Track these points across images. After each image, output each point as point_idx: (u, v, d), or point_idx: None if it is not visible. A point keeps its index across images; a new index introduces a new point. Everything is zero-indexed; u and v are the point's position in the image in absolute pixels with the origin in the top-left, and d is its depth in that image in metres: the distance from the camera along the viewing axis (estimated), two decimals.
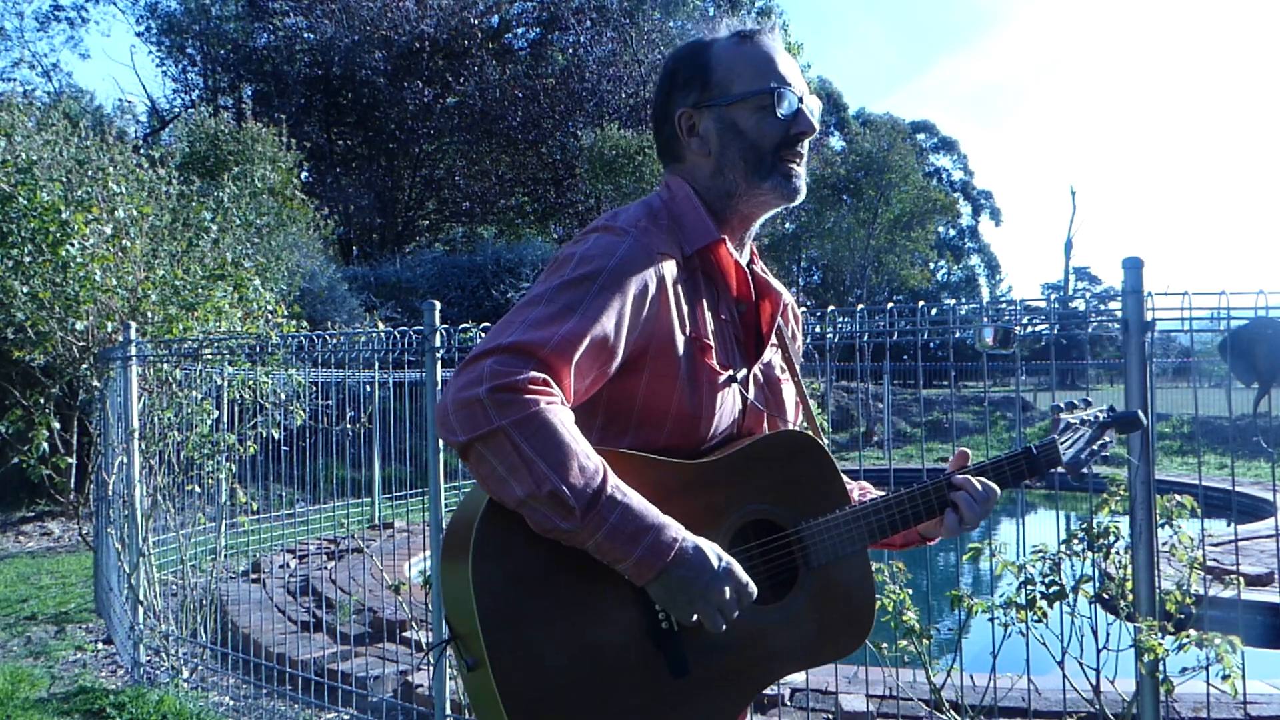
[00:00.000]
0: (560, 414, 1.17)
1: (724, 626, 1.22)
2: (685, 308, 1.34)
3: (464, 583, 1.16)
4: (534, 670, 1.17)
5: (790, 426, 1.49)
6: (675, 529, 1.19)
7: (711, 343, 1.36)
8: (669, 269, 1.32)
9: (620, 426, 1.33)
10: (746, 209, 1.42)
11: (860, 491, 1.56)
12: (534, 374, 1.16)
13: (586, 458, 1.16)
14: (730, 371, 1.38)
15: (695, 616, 1.21)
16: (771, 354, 1.49)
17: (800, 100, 1.39)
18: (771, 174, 1.39)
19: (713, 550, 1.21)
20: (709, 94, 1.39)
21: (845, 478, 1.56)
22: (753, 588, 1.24)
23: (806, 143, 1.41)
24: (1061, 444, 1.56)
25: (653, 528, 1.18)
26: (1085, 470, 1.58)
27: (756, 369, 1.45)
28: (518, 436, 1.13)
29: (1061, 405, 1.62)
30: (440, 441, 3.44)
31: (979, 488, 1.45)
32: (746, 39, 1.40)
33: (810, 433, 1.49)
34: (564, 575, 1.20)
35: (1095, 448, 1.59)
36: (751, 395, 1.43)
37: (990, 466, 1.50)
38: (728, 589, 1.21)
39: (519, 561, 1.19)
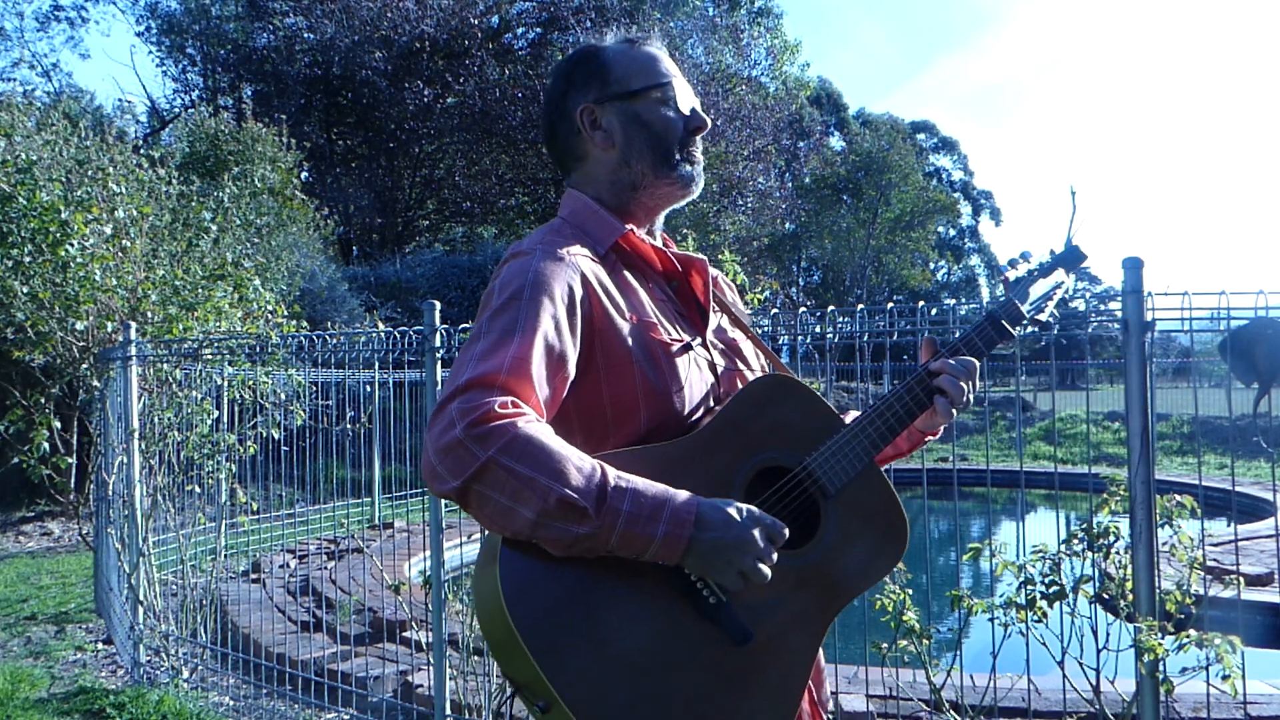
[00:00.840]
0: (540, 428, 1.17)
1: (769, 576, 1.22)
2: (618, 297, 1.37)
3: (508, 634, 1.15)
4: (608, 693, 1.16)
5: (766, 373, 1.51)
6: (686, 495, 1.20)
7: (655, 320, 1.39)
8: (587, 265, 1.36)
9: (600, 432, 1.34)
10: (651, 201, 1.47)
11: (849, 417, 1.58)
12: (501, 399, 1.17)
13: (581, 459, 1.17)
14: (685, 340, 1.41)
15: (739, 575, 1.20)
16: (718, 319, 1.53)
17: (692, 97, 1.49)
18: (678, 165, 1.45)
19: (729, 503, 1.22)
20: (609, 89, 1.46)
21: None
22: (781, 525, 1.24)
23: (701, 138, 1.49)
24: (1017, 298, 1.56)
25: (666, 500, 1.18)
26: (1050, 318, 1.58)
27: (711, 336, 1.48)
28: (508, 461, 1.13)
29: (1005, 265, 1.62)
30: None
31: (958, 365, 1.46)
32: (636, 43, 1.50)
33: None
34: (598, 589, 1.19)
35: (1050, 291, 1.59)
36: (717, 361, 1.45)
37: (961, 343, 1.52)
38: (758, 533, 1.21)
39: (551, 593, 1.18)
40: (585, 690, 1.14)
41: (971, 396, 1.48)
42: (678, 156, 1.45)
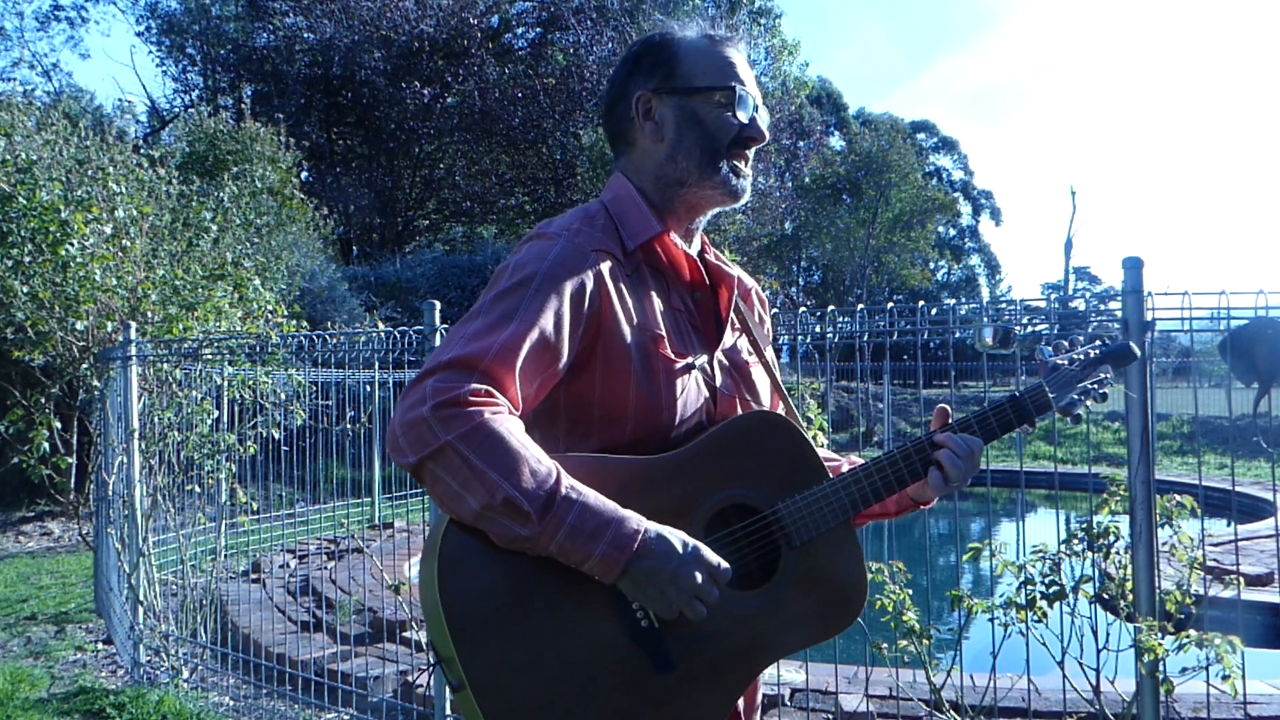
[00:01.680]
0: (507, 423, 1.17)
1: (705, 612, 1.20)
2: (631, 300, 1.34)
3: (435, 608, 1.15)
4: (513, 688, 1.16)
5: (762, 408, 1.47)
6: (636, 520, 1.19)
7: (663, 332, 1.36)
8: (606, 265, 1.33)
9: (584, 429, 1.33)
10: (694, 199, 1.43)
11: (849, 464, 1.53)
12: (476, 386, 1.17)
13: (538, 462, 1.16)
14: (689, 359, 1.37)
15: (671, 606, 1.19)
16: (734, 338, 1.49)
17: (755, 109, 1.43)
18: (721, 168, 1.40)
19: (677, 536, 1.20)
20: (672, 81, 1.41)
21: (830, 453, 1.53)
22: (726, 566, 1.22)
23: (754, 150, 1.44)
24: (1050, 387, 1.48)
25: (612, 522, 1.17)
26: (1081, 412, 1.50)
27: (719, 355, 1.44)
28: (465, 449, 1.13)
29: (1050, 348, 1.53)
30: None
31: (962, 444, 1.41)
32: (716, 41, 1.44)
33: (782, 412, 1.47)
34: (534, 586, 1.19)
35: (1089, 386, 1.50)
36: (718, 381, 1.42)
37: (975, 421, 1.45)
38: (699, 573, 1.19)
39: (486, 578, 1.18)
40: (493, 681, 1.15)
41: (968, 479, 1.42)
42: (723, 160, 1.40)
